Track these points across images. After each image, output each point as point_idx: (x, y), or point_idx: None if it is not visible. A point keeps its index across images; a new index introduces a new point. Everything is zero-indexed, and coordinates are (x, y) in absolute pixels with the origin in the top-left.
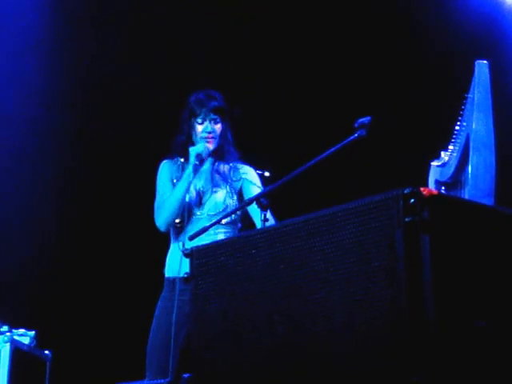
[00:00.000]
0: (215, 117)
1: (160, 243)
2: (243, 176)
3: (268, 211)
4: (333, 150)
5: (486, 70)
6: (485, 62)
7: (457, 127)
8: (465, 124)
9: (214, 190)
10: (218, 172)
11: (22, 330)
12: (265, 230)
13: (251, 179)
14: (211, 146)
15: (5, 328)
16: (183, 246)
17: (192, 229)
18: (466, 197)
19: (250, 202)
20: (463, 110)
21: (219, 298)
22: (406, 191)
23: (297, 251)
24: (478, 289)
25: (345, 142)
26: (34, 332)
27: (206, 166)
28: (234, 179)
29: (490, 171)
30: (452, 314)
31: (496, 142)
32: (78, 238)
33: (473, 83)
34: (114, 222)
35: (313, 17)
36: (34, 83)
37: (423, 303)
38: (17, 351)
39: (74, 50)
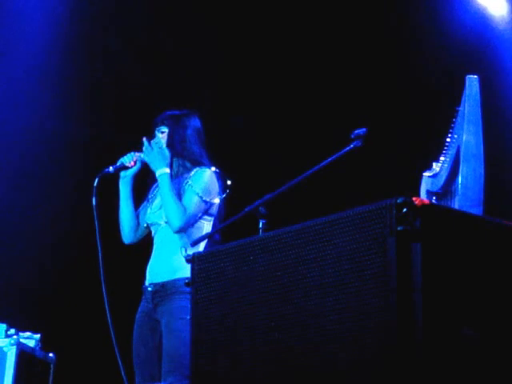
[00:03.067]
0: (159, 127)
1: None
2: (189, 180)
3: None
4: (329, 160)
5: (477, 84)
6: (475, 76)
7: (448, 139)
8: (456, 136)
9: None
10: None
11: (27, 333)
12: (263, 237)
13: (192, 183)
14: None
15: (11, 331)
16: (185, 251)
17: (159, 237)
18: (456, 206)
19: (249, 211)
20: (454, 122)
21: (218, 304)
22: (398, 201)
23: (293, 259)
24: (467, 297)
25: (341, 152)
26: (39, 335)
27: (131, 171)
28: (183, 183)
29: (480, 181)
30: (442, 322)
31: (485, 153)
32: (86, 242)
33: (463, 97)
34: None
35: (305, 30)
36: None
37: (414, 311)
38: (22, 354)
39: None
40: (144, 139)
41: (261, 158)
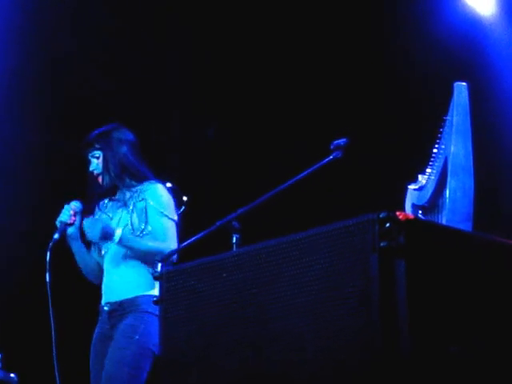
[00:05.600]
0: (92, 152)
1: None
2: (143, 195)
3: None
4: (307, 172)
5: (465, 92)
6: (464, 83)
7: (435, 150)
8: (443, 147)
9: (114, 219)
10: (117, 201)
11: None
12: (236, 253)
13: (150, 200)
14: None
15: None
16: (154, 269)
17: (111, 255)
18: (444, 221)
19: (222, 224)
20: (441, 132)
21: (188, 323)
22: (381, 215)
23: (268, 276)
24: (453, 314)
25: (320, 163)
26: (0, 355)
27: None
28: (137, 200)
29: (469, 195)
30: (426, 340)
31: (475, 165)
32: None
33: (451, 105)
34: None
35: (286, 36)
36: None
37: (397, 329)
38: None
39: None
40: (84, 221)
41: (235, 170)
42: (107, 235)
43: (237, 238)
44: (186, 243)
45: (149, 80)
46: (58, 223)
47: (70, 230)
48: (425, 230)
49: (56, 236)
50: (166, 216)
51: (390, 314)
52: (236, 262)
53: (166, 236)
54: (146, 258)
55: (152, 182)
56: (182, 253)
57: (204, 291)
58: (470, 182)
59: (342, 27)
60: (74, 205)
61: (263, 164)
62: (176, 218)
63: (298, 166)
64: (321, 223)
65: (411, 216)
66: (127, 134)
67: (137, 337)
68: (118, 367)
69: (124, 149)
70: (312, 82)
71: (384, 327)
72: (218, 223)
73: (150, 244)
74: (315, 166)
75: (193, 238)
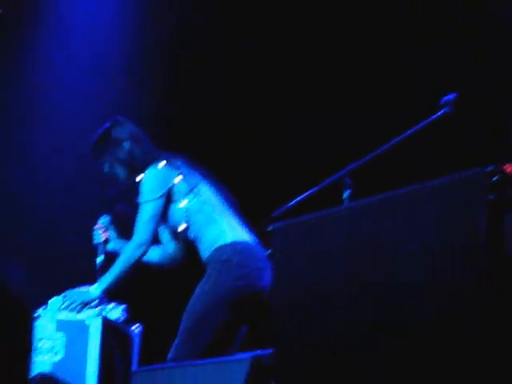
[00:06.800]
0: (97, 161)
1: None
2: None
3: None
4: (416, 128)
5: None
6: None
7: None
8: None
9: None
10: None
11: (112, 304)
12: (346, 208)
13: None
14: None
15: (95, 302)
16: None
17: None
18: None
19: (333, 181)
20: None
21: (300, 276)
22: (489, 169)
23: (378, 230)
24: None
25: (429, 119)
26: (124, 306)
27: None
28: None
29: None
30: None
31: None
32: None
33: None
34: None
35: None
36: None
37: (507, 282)
38: (107, 325)
39: None
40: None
41: (345, 126)
42: (86, 300)
43: (348, 193)
44: (297, 200)
45: None
46: (96, 246)
47: (110, 246)
48: None
49: (99, 259)
50: (142, 203)
51: (500, 266)
52: (346, 216)
53: (136, 228)
54: (133, 262)
55: (147, 170)
56: (294, 209)
57: (314, 245)
58: None
59: None
60: (101, 222)
61: (374, 120)
62: (168, 187)
63: (409, 122)
64: (429, 178)
65: None
66: (125, 128)
67: (207, 286)
68: (189, 314)
69: (124, 147)
70: (419, 38)
71: (493, 280)
72: (329, 179)
73: (121, 258)
74: (425, 122)
75: (304, 195)
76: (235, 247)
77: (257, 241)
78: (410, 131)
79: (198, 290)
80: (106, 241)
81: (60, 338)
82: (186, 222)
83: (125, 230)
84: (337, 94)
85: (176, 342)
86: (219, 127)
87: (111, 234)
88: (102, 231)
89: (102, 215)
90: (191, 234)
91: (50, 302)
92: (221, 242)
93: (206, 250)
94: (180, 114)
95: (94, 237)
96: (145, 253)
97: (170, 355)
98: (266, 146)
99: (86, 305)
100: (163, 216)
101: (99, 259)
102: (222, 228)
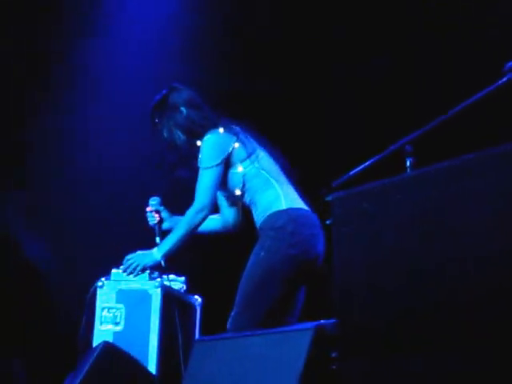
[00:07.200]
0: (155, 127)
1: None
2: None
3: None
4: (479, 95)
5: None
6: None
7: None
8: None
9: None
10: None
11: (172, 276)
12: (409, 176)
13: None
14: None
15: (155, 274)
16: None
17: None
18: None
19: (395, 149)
20: None
21: (362, 245)
22: None
23: (442, 198)
24: None
25: (493, 86)
26: (184, 277)
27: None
28: None
29: None
30: None
31: None
32: None
33: None
34: None
35: None
36: None
37: None
38: (167, 296)
39: None
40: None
41: (407, 94)
42: (146, 262)
43: (410, 161)
44: (359, 168)
45: None
46: (152, 227)
47: (165, 225)
48: None
49: (157, 239)
50: (202, 169)
51: None
52: (409, 184)
53: (197, 193)
54: (194, 227)
55: (205, 135)
56: (356, 178)
57: (376, 213)
58: None
59: None
60: (151, 204)
61: (435, 88)
62: (226, 154)
63: (473, 89)
64: (494, 146)
65: None
66: (181, 94)
67: (262, 254)
68: (245, 283)
69: (182, 113)
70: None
71: None
72: (391, 147)
73: (182, 223)
74: (489, 88)
75: (366, 163)
76: (289, 214)
77: (311, 208)
78: (473, 98)
79: (252, 258)
80: (161, 221)
81: (122, 308)
82: (243, 186)
83: (184, 195)
84: (400, 62)
85: (233, 312)
86: (283, 96)
87: (164, 214)
88: (153, 213)
89: (151, 198)
90: (247, 199)
91: (112, 272)
92: (275, 208)
93: (260, 215)
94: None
95: (148, 219)
96: (205, 218)
97: (228, 325)
98: (327, 114)
99: (145, 269)
100: (222, 181)
101: (157, 240)
102: (277, 194)
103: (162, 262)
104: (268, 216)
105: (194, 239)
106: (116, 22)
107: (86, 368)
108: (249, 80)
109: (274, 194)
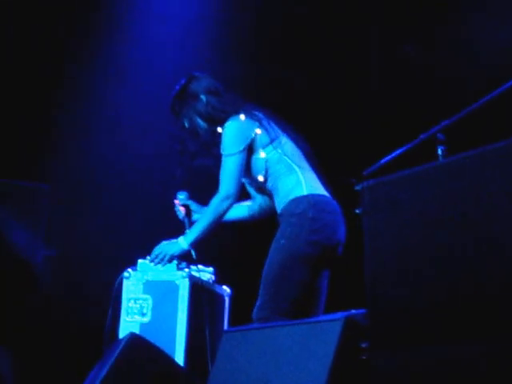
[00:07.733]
0: (177, 117)
1: None
2: None
3: None
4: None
5: None
6: None
7: None
8: None
9: None
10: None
11: (200, 266)
12: (441, 164)
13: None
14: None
15: (183, 264)
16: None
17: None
18: None
19: (426, 137)
20: None
21: (392, 234)
22: None
23: (474, 185)
24: None
25: None
26: (212, 268)
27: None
28: None
29: None
30: None
31: None
32: None
33: None
34: None
35: None
36: None
37: None
38: (195, 286)
39: None
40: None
41: (441, 83)
42: (174, 251)
43: (442, 150)
44: (389, 157)
45: None
46: (182, 220)
47: (196, 217)
48: None
49: (187, 231)
50: (226, 156)
51: None
52: (441, 172)
53: (221, 181)
54: (220, 215)
55: (226, 122)
56: (387, 167)
57: (407, 202)
58: None
59: None
60: (179, 198)
61: (465, 76)
62: (249, 140)
63: (504, 77)
64: None
65: None
66: (201, 82)
67: (282, 241)
68: (267, 271)
69: (202, 100)
70: None
71: None
72: (422, 136)
73: (208, 211)
74: None
75: (397, 152)
76: (310, 200)
77: (333, 196)
78: (505, 86)
79: (273, 245)
80: (189, 214)
81: (149, 299)
82: (266, 172)
83: (207, 183)
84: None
85: (258, 302)
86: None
87: (193, 206)
88: (180, 207)
89: (178, 192)
90: (269, 184)
91: (138, 262)
92: (296, 194)
93: (281, 200)
94: (265, 75)
95: (177, 213)
96: (231, 205)
97: (254, 316)
98: (360, 103)
99: (173, 258)
100: (245, 167)
101: (188, 231)
102: (298, 179)
103: (193, 253)
104: (289, 202)
105: (224, 229)
106: (143, 18)
107: (112, 359)
108: (278, 69)
109: (296, 179)
